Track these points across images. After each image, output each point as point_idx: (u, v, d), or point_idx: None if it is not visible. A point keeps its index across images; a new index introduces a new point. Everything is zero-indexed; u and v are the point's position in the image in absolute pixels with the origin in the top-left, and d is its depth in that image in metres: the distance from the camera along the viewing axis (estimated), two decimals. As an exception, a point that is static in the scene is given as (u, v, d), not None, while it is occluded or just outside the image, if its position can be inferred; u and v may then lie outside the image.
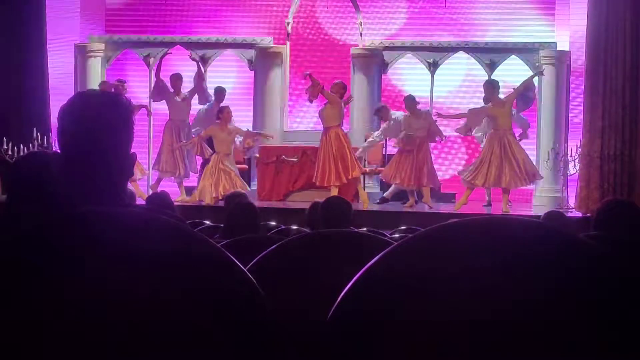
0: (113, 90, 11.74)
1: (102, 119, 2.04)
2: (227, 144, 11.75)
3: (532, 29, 14.15)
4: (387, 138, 12.43)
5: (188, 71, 12.99)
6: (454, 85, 14.12)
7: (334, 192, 10.86)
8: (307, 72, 11.80)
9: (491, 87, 11.62)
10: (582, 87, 11.24)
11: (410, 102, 12.05)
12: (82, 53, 13.77)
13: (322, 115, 11.64)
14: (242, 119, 12.87)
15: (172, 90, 12.39)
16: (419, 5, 14.30)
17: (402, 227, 7.19)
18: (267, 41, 13.77)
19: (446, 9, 14.14)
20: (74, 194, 2.01)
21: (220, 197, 11.18)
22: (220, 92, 12.55)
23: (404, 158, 11.66)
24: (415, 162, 11.58)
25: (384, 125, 12.16)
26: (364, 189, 12.06)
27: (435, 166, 12.21)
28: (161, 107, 12.83)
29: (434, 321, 1.42)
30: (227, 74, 13.99)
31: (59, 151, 2.09)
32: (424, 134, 11.76)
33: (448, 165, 14.14)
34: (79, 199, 1.99)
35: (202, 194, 11.59)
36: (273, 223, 6.80)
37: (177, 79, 12.46)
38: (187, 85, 12.69)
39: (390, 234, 5.85)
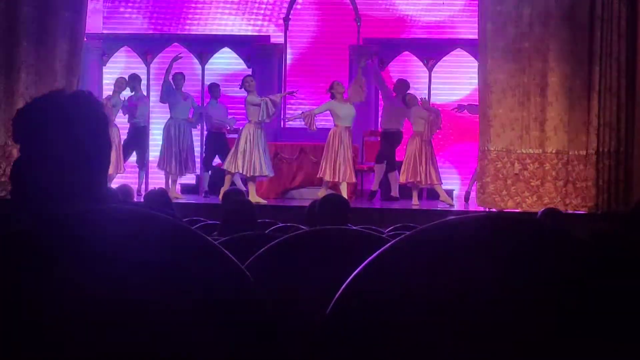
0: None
1: (74, 119, 2.04)
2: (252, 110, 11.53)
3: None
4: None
5: (184, 68, 12.93)
6: (452, 82, 14.10)
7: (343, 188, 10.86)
8: None
9: None
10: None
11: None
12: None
13: (346, 113, 11.32)
14: (239, 116, 12.84)
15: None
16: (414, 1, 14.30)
17: (399, 225, 7.18)
18: (265, 38, 13.76)
19: (443, 5, 14.14)
20: (55, 195, 2.01)
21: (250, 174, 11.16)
22: (215, 87, 12.61)
23: (414, 156, 11.46)
24: (424, 160, 11.39)
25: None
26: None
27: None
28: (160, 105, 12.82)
29: (432, 319, 1.43)
30: (224, 71, 13.99)
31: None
32: (421, 129, 11.46)
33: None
34: (61, 199, 1.99)
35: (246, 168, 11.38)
36: (270, 220, 6.79)
37: (180, 78, 12.36)
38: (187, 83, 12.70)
39: (387, 232, 5.85)
